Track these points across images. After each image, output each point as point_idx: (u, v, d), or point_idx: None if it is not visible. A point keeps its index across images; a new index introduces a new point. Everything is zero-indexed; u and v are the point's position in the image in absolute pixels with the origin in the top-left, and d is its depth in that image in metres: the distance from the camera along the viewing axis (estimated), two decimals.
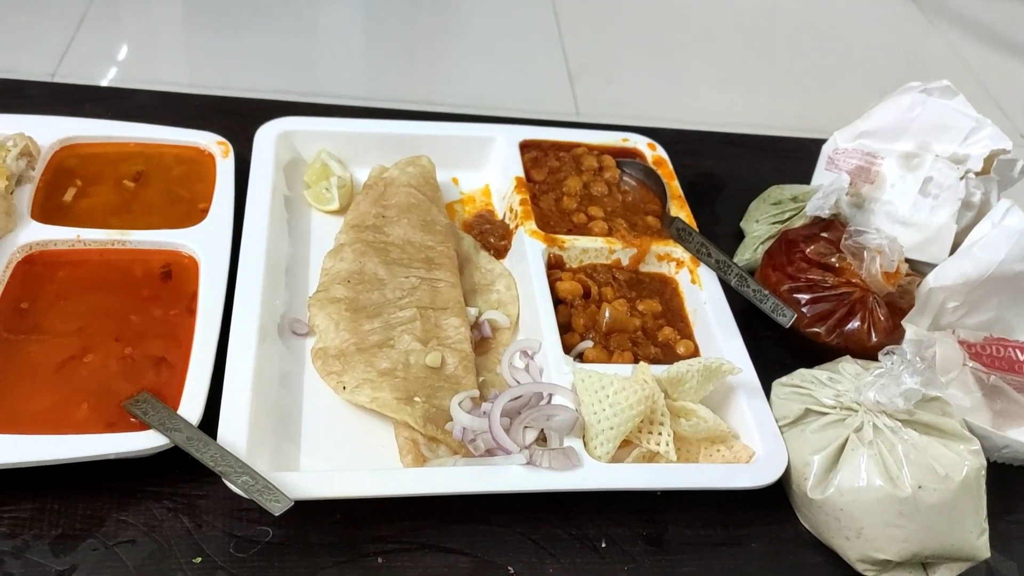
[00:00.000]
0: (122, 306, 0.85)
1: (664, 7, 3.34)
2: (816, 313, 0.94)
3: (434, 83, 2.81)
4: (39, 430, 0.73)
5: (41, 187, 0.93)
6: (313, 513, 0.76)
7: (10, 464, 0.71)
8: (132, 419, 0.75)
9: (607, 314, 0.92)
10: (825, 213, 1.00)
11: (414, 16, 3.15)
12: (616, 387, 0.79)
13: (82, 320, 0.83)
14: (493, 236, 1.02)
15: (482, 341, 0.92)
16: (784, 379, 0.87)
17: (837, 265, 0.96)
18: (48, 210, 0.92)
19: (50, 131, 0.98)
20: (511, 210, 1.03)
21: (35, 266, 0.86)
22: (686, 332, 0.95)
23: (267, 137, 1.03)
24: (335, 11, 3.06)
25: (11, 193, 0.89)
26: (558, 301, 0.93)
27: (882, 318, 0.92)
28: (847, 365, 0.85)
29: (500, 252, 1.01)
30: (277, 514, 0.68)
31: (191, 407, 0.76)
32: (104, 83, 1.22)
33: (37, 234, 0.87)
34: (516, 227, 1.00)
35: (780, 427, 0.83)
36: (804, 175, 1.18)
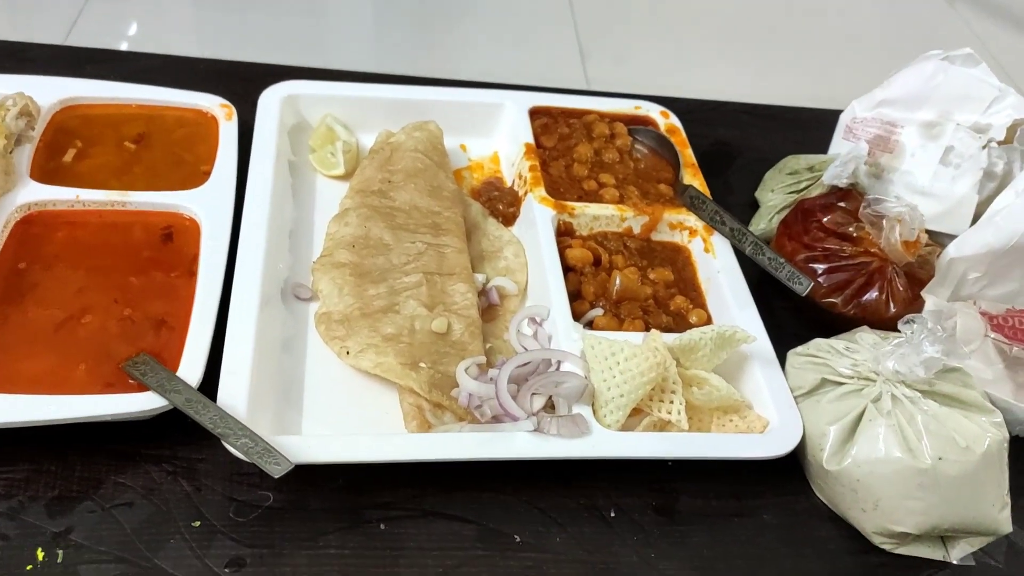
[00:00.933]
0: (122, 267, 0.83)
1: None
2: (833, 283, 0.91)
3: (444, 58, 2.78)
4: (36, 391, 0.71)
5: (41, 147, 0.92)
6: (315, 479, 0.74)
7: (6, 424, 0.69)
8: (131, 380, 0.73)
9: (618, 281, 0.90)
10: (843, 182, 0.98)
11: None
12: (627, 354, 0.77)
13: (81, 281, 0.81)
14: (502, 203, 1.00)
15: (489, 308, 0.90)
16: (799, 349, 0.85)
17: (855, 235, 0.93)
18: (48, 170, 0.90)
19: (51, 91, 0.96)
20: (520, 176, 1.01)
21: (33, 226, 0.85)
22: (699, 301, 0.93)
23: (271, 100, 1.01)
24: None
25: (10, 152, 0.87)
26: (568, 269, 0.91)
27: (901, 288, 0.90)
28: (865, 335, 0.83)
29: (508, 219, 0.99)
30: (277, 476, 0.66)
31: (191, 369, 0.74)
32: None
33: (36, 194, 0.86)
34: (525, 194, 0.98)
35: (795, 397, 0.81)
36: (820, 146, 1.15)
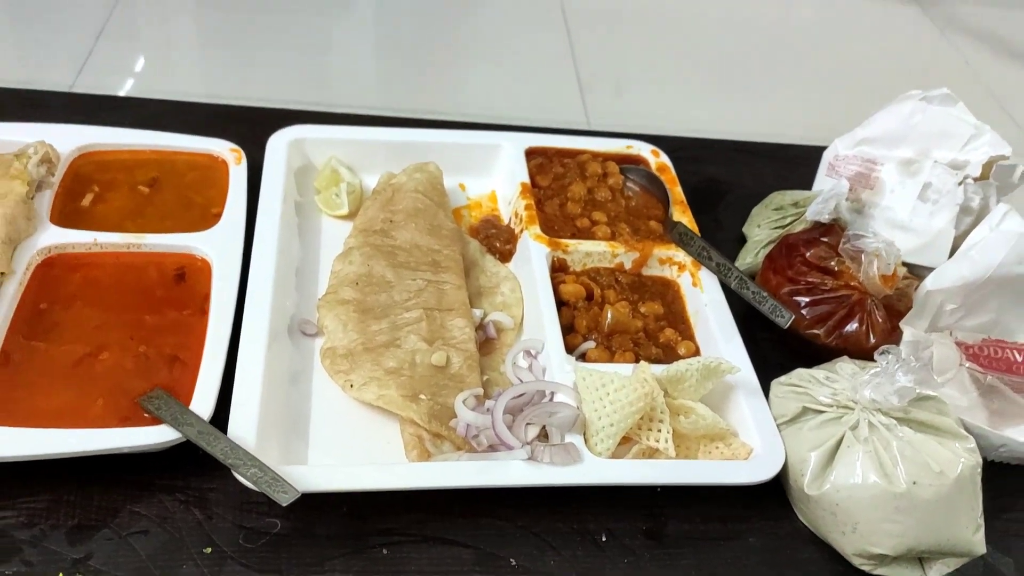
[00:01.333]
0: (137, 306, 0.87)
1: (671, 18, 3.38)
2: (816, 315, 0.95)
3: (445, 93, 2.85)
4: (57, 424, 0.75)
5: (60, 192, 0.96)
6: (320, 506, 0.78)
7: (28, 456, 0.73)
8: (146, 414, 0.78)
9: (609, 315, 0.94)
10: (825, 218, 1.02)
11: (425, 27, 3.20)
12: (616, 384, 0.81)
13: (98, 320, 0.85)
14: (499, 240, 1.04)
15: (487, 342, 0.94)
16: (783, 378, 0.89)
17: (836, 268, 0.97)
18: (67, 214, 0.95)
19: (69, 139, 1.01)
20: (516, 215, 1.05)
21: (54, 268, 0.89)
22: (687, 334, 0.97)
23: (279, 144, 1.06)
24: (345, 22, 3.11)
25: (31, 198, 0.92)
26: (561, 303, 0.95)
27: (880, 320, 0.94)
28: (844, 365, 0.87)
29: (505, 256, 1.04)
30: (285, 504, 0.70)
31: (203, 403, 0.78)
32: (121, 94, 1.25)
33: (56, 237, 0.90)
34: (521, 231, 1.02)
35: (778, 425, 0.85)
36: (806, 181, 1.19)
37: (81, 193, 0.98)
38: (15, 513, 0.74)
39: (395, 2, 3.38)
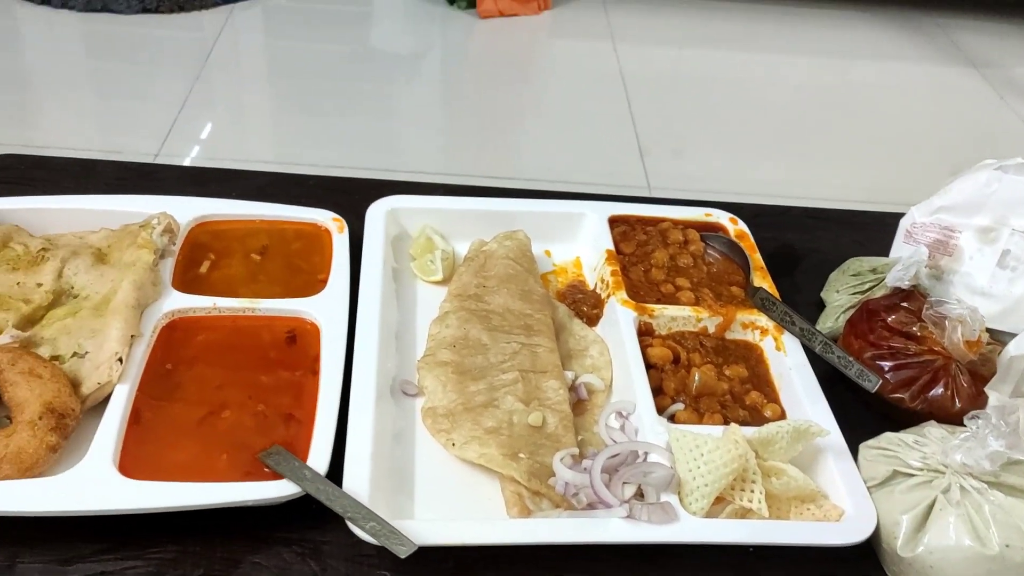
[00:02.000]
0: (253, 367, 0.93)
1: (726, 83, 3.46)
2: (900, 379, 0.98)
3: (505, 156, 2.95)
4: (185, 478, 0.81)
5: (180, 260, 1.04)
6: (427, 560, 0.81)
7: (160, 508, 0.79)
8: (266, 469, 0.83)
9: (697, 378, 0.97)
10: (905, 284, 1.05)
11: (486, 92, 3.32)
12: (711, 446, 0.84)
13: (219, 379, 0.91)
14: (585, 305, 1.09)
15: (578, 403, 0.98)
16: (871, 442, 0.91)
17: (919, 334, 1.00)
18: (186, 281, 1.02)
19: (186, 210, 1.08)
20: (602, 280, 1.10)
21: (176, 331, 0.96)
22: (772, 396, 1.00)
23: (377, 214, 1.13)
24: (414, 93, 3.24)
25: (157, 266, 0.99)
26: (649, 366, 0.99)
27: (965, 384, 0.96)
28: (932, 429, 0.89)
29: (592, 320, 1.08)
30: (403, 557, 0.74)
31: (318, 459, 0.83)
32: (204, 162, 1.32)
33: (179, 302, 0.97)
34: (608, 296, 1.07)
35: (868, 488, 0.87)
36: (881, 248, 1.22)
37: (198, 261, 1.05)
38: (144, 564, 0.79)
39: (458, 69, 3.51)
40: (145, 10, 3.31)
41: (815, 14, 3.94)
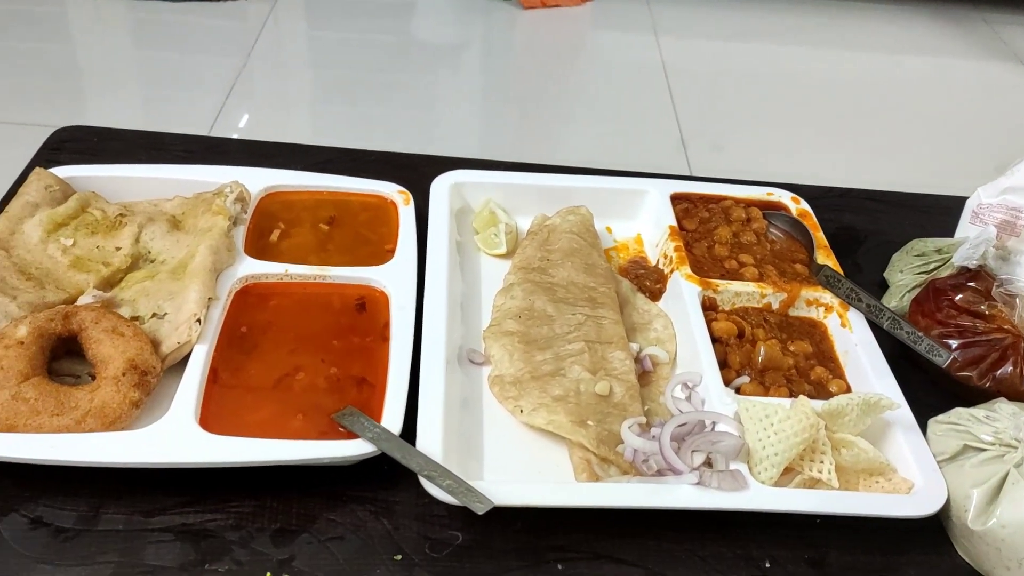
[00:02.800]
0: (325, 332, 0.95)
1: (766, 75, 3.44)
2: (968, 358, 0.97)
3: (547, 144, 2.96)
4: (262, 436, 0.82)
5: (251, 228, 1.05)
6: (497, 521, 0.83)
7: (241, 463, 0.80)
8: (340, 429, 0.84)
9: (762, 352, 0.98)
10: (972, 264, 1.04)
11: (529, 82, 3.33)
12: (781, 416, 0.84)
13: (292, 343, 0.93)
14: (648, 280, 1.09)
15: (643, 374, 0.99)
16: (940, 417, 0.91)
17: (987, 312, 0.99)
18: (258, 248, 1.03)
19: (256, 180, 1.10)
20: (665, 256, 1.10)
21: (250, 296, 0.98)
22: (837, 372, 1.00)
23: (442, 187, 1.14)
24: (456, 83, 3.26)
25: (231, 232, 1.01)
26: (713, 340, 0.99)
27: None
28: (1003, 405, 0.89)
29: (655, 295, 1.08)
30: (480, 514, 0.75)
31: (391, 421, 0.85)
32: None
33: (252, 268, 0.99)
34: (671, 272, 1.07)
35: (937, 462, 0.87)
36: (942, 230, 1.21)
37: (269, 229, 1.07)
38: (224, 516, 0.81)
39: (500, 59, 3.52)
40: None
41: (858, 8, 3.91)
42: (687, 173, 2.82)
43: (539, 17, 3.63)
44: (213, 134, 2.72)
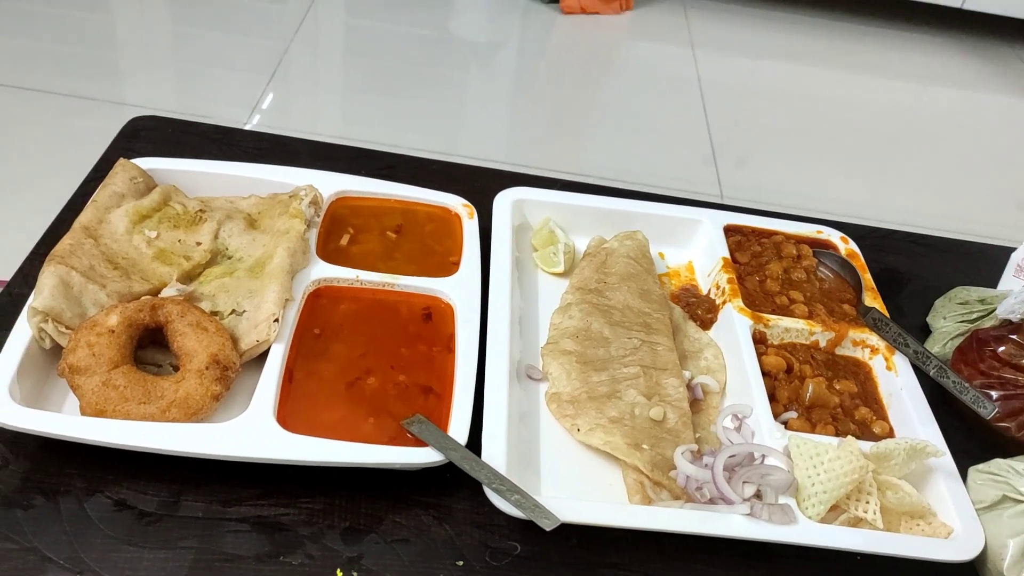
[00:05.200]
0: (393, 339, 0.99)
1: (796, 96, 3.47)
2: (1007, 410, 1.01)
3: (576, 152, 2.99)
4: (334, 437, 0.86)
5: (322, 232, 1.09)
6: (552, 536, 0.86)
7: (317, 462, 0.84)
8: (409, 436, 0.88)
9: (810, 388, 1.01)
10: (1015, 317, 1.08)
11: (562, 88, 3.36)
12: (832, 455, 0.88)
13: (363, 348, 0.97)
14: (700, 308, 1.13)
15: (693, 402, 1.02)
16: (981, 466, 0.94)
17: None
18: (328, 252, 1.07)
19: (328, 184, 1.14)
20: (717, 287, 1.14)
21: (322, 298, 1.01)
22: (881, 414, 1.03)
23: (504, 203, 1.18)
24: (489, 82, 3.30)
25: (306, 236, 1.05)
26: (762, 373, 1.03)
27: None
28: None
29: (706, 324, 1.12)
30: (548, 530, 0.79)
31: (458, 431, 0.88)
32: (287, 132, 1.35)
33: (325, 272, 1.03)
34: (724, 303, 1.11)
35: (976, 510, 0.91)
36: (985, 278, 1.25)
37: (339, 234, 1.10)
38: (296, 511, 0.85)
39: (535, 61, 3.56)
40: None
41: (893, 37, 3.94)
42: (716, 186, 2.86)
43: (577, 23, 3.67)
44: (253, 116, 2.76)
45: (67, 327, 0.88)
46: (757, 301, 1.12)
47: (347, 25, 3.46)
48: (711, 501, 0.88)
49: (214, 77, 2.96)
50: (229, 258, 1.03)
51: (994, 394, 1.02)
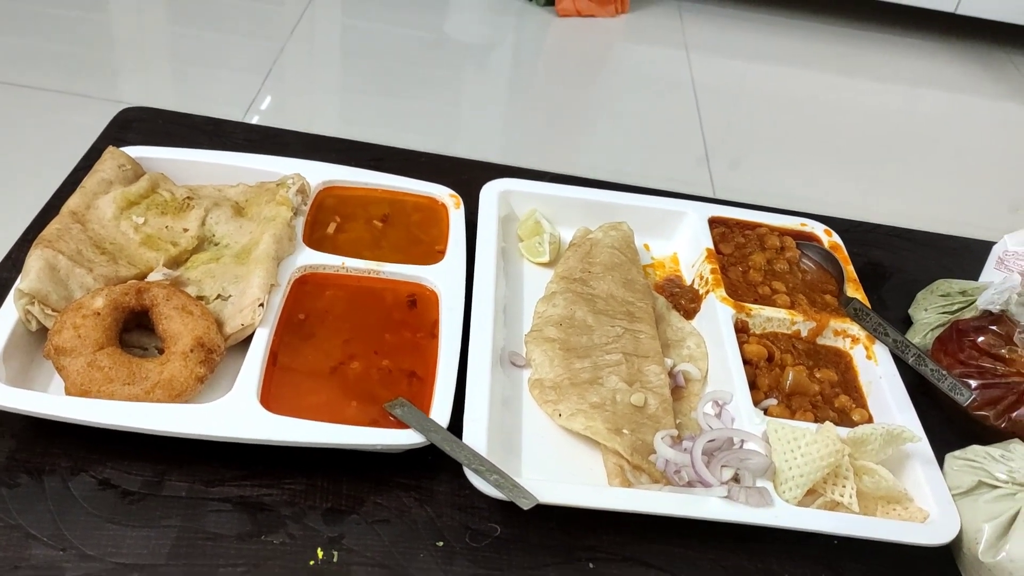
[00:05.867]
0: (378, 325, 1.00)
1: (788, 99, 3.49)
2: (986, 398, 1.02)
3: (570, 150, 3.01)
4: (317, 419, 0.87)
5: (309, 220, 1.10)
6: (533, 517, 0.87)
7: (299, 443, 0.85)
8: (391, 419, 0.89)
9: (791, 376, 1.02)
10: (995, 308, 1.09)
11: (556, 87, 3.38)
12: (808, 439, 0.89)
13: (347, 333, 0.98)
14: (683, 298, 1.14)
15: (675, 389, 1.03)
16: (957, 452, 0.95)
17: (1007, 356, 1.04)
18: (315, 240, 1.08)
19: (316, 174, 1.15)
20: (701, 277, 1.15)
21: (307, 285, 1.02)
22: (860, 402, 1.04)
23: (491, 193, 1.19)
24: (484, 83, 3.31)
25: (292, 223, 1.06)
26: (743, 361, 1.04)
27: None
28: (1018, 446, 0.93)
29: (689, 313, 1.13)
30: (526, 509, 0.80)
31: (440, 414, 0.89)
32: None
33: (311, 259, 1.04)
34: (707, 292, 1.12)
35: (952, 495, 0.92)
36: (967, 271, 1.26)
37: (325, 222, 1.11)
38: (279, 492, 0.86)
39: (530, 63, 3.57)
40: None
41: (885, 40, 3.96)
42: (709, 187, 2.88)
43: (573, 25, 3.68)
44: (249, 115, 2.78)
45: (53, 309, 0.89)
46: (740, 291, 1.13)
47: (343, 25, 3.47)
48: (689, 484, 0.89)
49: (210, 76, 2.97)
50: (216, 244, 1.04)
51: (973, 383, 1.03)
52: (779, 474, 0.90)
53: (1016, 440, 0.95)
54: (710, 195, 2.83)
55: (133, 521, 0.81)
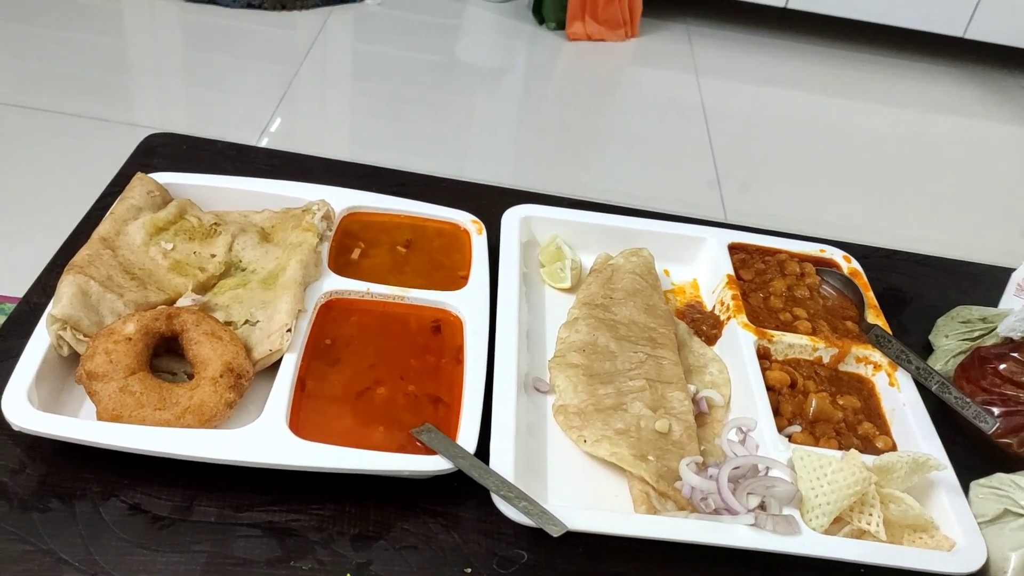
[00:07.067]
0: (403, 351, 1.00)
1: (799, 122, 3.51)
2: (1009, 426, 1.02)
3: (582, 178, 3.03)
4: (345, 444, 0.87)
5: (334, 246, 1.11)
6: (559, 545, 0.88)
7: (328, 468, 0.86)
8: (418, 444, 0.90)
9: (814, 403, 1.03)
10: (1016, 335, 1.09)
11: (567, 110, 3.41)
12: (835, 467, 0.89)
13: (373, 358, 0.99)
14: (705, 324, 1.14)
15: (698, 415, 1.04)
16: (982, 480, 0.95)
17: None
18: (339, 265, 1.09)
19: (340, 199, 1.16)
20: (722, 303, 1.15)
21: (333, 310, 1.03)
22: (884, 429, 1.04)
23: (512, 219, 1.20)
24: (495, 107, 3.34)
25: (319, 249, 1.07)
26: (767, 388, 1.04)
27: None
28: None
29: (710, 340, 1.14)
30: (556, 536, 0.80)
31: (467, 440, 0.90)
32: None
33: (336, 284, 1.05)
34: (728, 319, 1.13)
35: (978, 523, 0.92)
36: (986, 297, 1.27)
37: (349, 248, 1.12)
38: (307, 518, 0.86)
39: (541, 87, 3.60)
40: (249, 5, 3.44)
41: (894, 65, 3.98)
42: (720, 210, 2.89)
43: (583, 49, 3.71)
44: (263, 138, 2.80)
45: (85, 335, 0.90)
46: (761, 317, 1.13)
47: (355, 50, 3.51)
48: (715, 512, 0.90)
49: (224, 100, 3.00)
50: (243, 270, 1.05)
51: (996, 410, 1.03)
52: (806, 502, 0.90)
53: None
54: (722, 218, 2.85)
55: (163, 546, 0.81)
